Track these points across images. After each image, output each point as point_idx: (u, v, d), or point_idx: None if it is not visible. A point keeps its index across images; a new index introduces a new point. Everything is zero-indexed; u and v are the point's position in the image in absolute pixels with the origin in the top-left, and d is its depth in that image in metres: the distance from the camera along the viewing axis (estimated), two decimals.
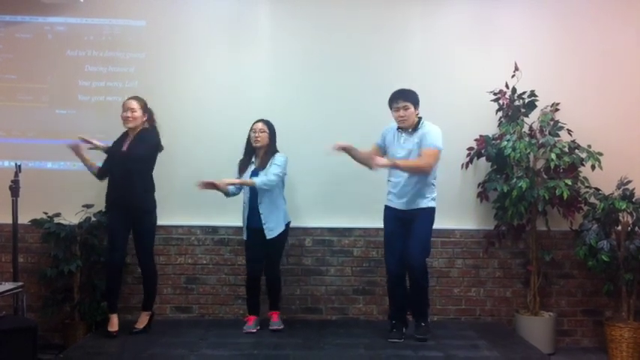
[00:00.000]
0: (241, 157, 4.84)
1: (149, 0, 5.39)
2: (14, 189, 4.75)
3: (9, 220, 4.81)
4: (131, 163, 4.53)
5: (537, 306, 5.17)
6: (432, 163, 4.40)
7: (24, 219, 4.94)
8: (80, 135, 4.55)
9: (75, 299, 5.10)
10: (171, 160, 5.00)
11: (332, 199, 5.20)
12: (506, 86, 5.17)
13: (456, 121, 5.10)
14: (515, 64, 5.13)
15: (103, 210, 4.93)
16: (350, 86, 5.34)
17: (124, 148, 4.58)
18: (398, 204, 4.52)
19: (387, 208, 4.61)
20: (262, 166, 4.73)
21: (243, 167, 4.80)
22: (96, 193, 5.12)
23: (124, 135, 4.68)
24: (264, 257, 4.78)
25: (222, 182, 4.60)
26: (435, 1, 5.41)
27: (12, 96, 5.37)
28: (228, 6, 5.41)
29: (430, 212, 4.50)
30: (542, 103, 5.18)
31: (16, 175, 4.77)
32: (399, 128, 4.55)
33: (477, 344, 4.44)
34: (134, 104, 4.61)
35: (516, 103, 5.17)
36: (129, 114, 4.59)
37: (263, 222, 4.68)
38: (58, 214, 5.12)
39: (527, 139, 5.07)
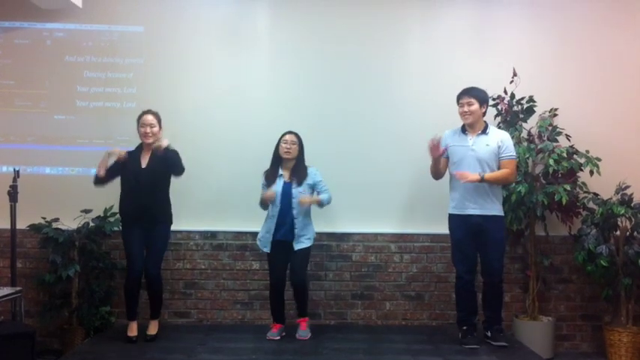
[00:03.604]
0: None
1: (147, 6, 5.40)
2: (12, 194, 4.75)
3: (7, 226, 4.81)
4: (156, 179, 4.50)
5: (536, 311, 5.17)
6: (516, 174, 4.61)
7: (22, 224, 4.95)
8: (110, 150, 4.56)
9: (73, 304, 5.09)
10: None
11: (331, 203, 5.20)
12: (505, 92, 5.18)
13: (455, 127, 5.10)
14: (514, 69, 5.14)
15: (105, 219, 5.07)
16: (349, 88, 5.36)
17: (144, 164, 4.51)
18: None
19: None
20: (297, 181, 4.65)
21: (271, 178, 4.69)
22: (94, 198, 5.12)
23: (139, 148, 4.61)
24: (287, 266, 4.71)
25: (303, 198, 4.62)
26: (434, 7, 5.42)
27: (10, 101, 5.38)
28: (226, 10, 5.42)
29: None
30: (540, 108, 5.19)
31: (15, 180, 4.77)
32: (464, 129, 4.53)
33: (475, 349, 4.43)
34: (152, 119, 4.54)
35: (515, 108, 5.18)
36: (148, 130, 4.51)
37: (297, 234, 4.63)
38: (56, 219, 5.12)
39: (525, 144, 5.07)
